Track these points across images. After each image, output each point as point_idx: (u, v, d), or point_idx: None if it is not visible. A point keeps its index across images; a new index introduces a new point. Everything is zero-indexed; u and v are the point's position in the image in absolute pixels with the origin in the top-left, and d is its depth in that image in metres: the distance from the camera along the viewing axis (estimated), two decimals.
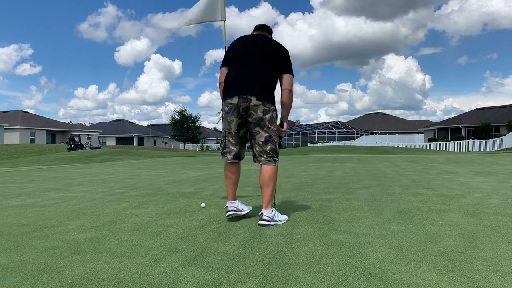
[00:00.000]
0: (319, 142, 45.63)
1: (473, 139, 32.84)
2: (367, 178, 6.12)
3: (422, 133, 48.40)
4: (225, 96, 3.22)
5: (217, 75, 3.45)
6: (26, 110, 54.43)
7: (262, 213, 3.09)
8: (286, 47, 3.34)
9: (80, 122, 64.83)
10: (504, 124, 39.62)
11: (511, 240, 2.49)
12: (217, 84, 3.40)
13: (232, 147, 3.27)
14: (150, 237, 2.79)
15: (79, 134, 37.20)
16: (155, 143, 63.88)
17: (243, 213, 3.32)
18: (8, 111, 51.59)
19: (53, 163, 18.48)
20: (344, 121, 64.26)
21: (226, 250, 2.42)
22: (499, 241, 2.47)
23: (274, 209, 3.14)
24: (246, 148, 3.41)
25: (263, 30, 3.45)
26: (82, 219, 3.51)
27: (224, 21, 4.31)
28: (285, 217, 3.21)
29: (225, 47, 4.30)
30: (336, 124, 57.20)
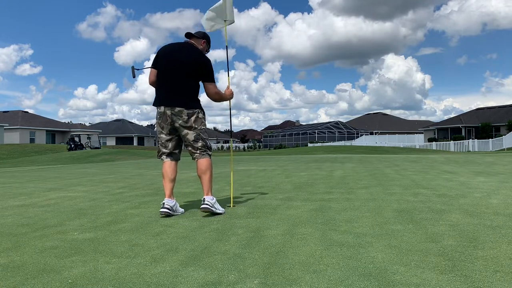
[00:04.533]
0: (319, 142, 45.60)
1: (473, 139, 32.83)
2: (367, 178, 6.12)
3: (422, 133, 48.40)
4: (155, 104, 3.56)
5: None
6: (26, 110, 54.45)
7: (204, 198, 3.43)
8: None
9: (80, 122, 64.99)
10: (504, 124, 39.63)
11: (511, 240, 2.49)
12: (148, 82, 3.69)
13: (164, 149, 3.59)
14: (150, 237, 2.79)
15: (79, 134, 37.24)
16: (155, 143, 63.84)
17: (176, 214, 3.53)
18: (8, 111, 51.56)
19: (53, 163, 18.48)
20: (344, 121, 64.26)
21: (226, 250, 2.42)
22: (499, 241, 2.47)
23: (214, 198, 3.49)
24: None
25: (192, 38, 3.70)
26: (82, 219, 3.51)
27: (233, 22, 4.25)
28: (223, 209, 3.55)
29: (226, 47, 4.28)
30: (336, 124, 57.15)
